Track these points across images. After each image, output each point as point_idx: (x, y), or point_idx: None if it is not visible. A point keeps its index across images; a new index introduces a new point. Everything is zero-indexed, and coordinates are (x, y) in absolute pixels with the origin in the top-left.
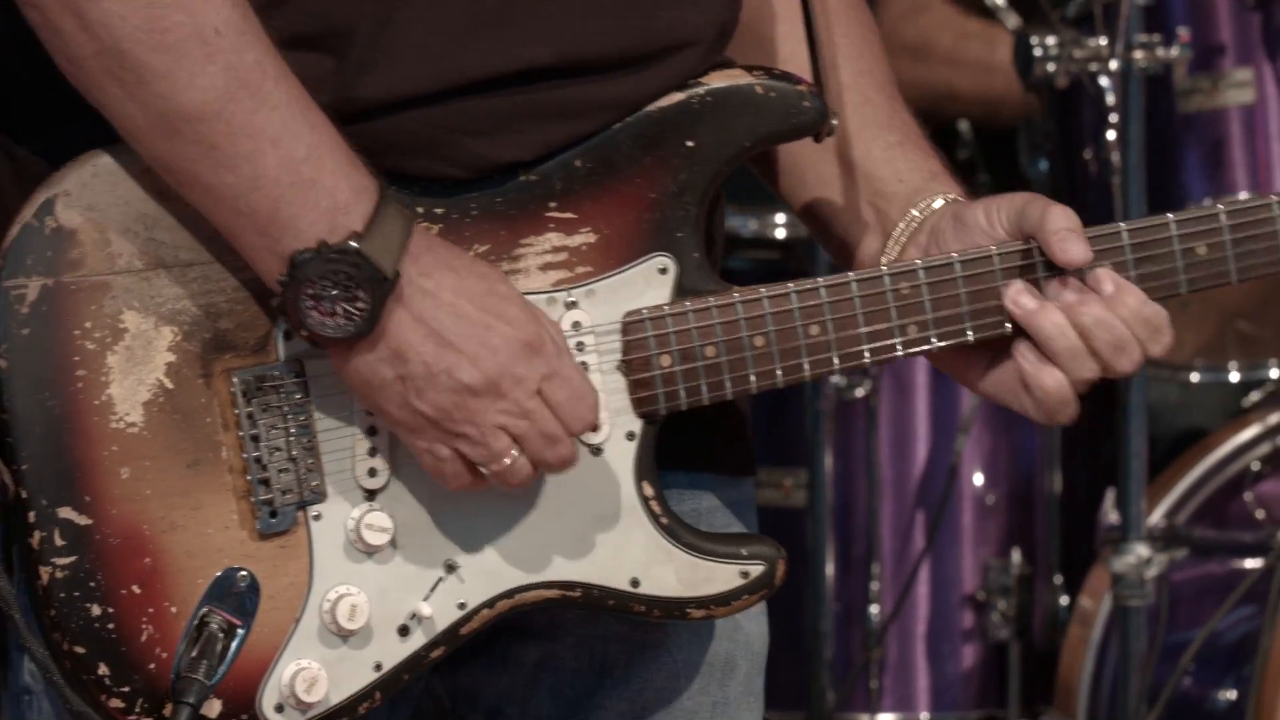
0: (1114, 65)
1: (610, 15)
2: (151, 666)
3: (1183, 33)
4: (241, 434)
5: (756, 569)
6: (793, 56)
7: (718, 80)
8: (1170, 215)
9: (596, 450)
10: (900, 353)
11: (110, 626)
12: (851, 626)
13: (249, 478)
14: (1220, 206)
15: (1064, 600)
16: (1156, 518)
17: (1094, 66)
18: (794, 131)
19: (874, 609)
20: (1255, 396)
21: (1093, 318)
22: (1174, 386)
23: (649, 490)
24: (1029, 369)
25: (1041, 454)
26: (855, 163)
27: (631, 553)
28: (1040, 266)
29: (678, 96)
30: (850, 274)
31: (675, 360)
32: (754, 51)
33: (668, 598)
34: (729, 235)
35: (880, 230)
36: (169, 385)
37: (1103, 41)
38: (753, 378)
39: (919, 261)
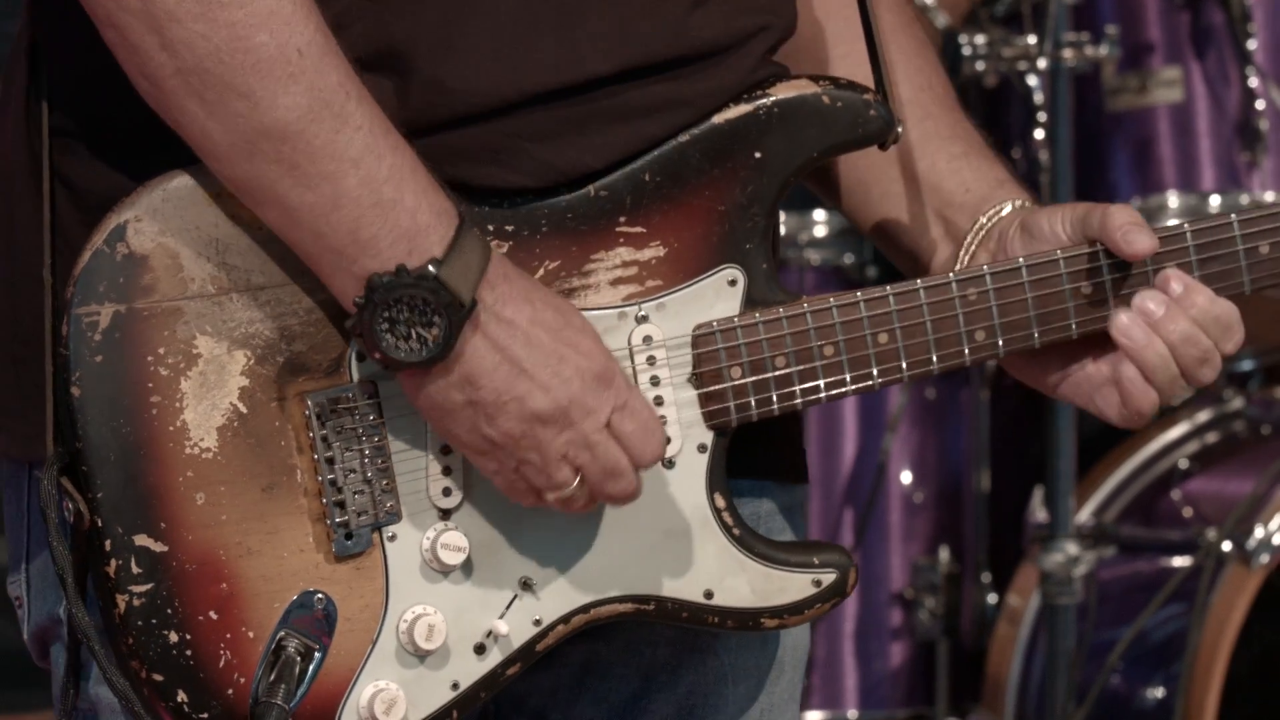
0: (1042, 64)
1: (666, 19)
2: (230, 692)
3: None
4: (316, 457)
5: (829, 577)
6: (853, 74)
7: (784, 91)
8: (1233, 214)
9: (669, 464)
10: (968, 359)
11: (188, 653)
12: None
13: (324, 501)
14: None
15: (992, 598)
16: (1085, 516)
17: (1022, 65)
18: (861, 140)
19: None
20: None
21: (1180, 334)
22: None
23: (721, 502)
24: (1133, 390)
25: (970, 452)
26: (921, 176)
27: (705, 564)
28: (1105, 269)
29: (745, 108)
30: (918, 281)
31: (746, 372)
32: (810, 67)
33: (742, 609)
34: None
35: (951, 240)
36: (243, 409)
37: (1031, 40)
38: (823, 387)
39: (985, 268)
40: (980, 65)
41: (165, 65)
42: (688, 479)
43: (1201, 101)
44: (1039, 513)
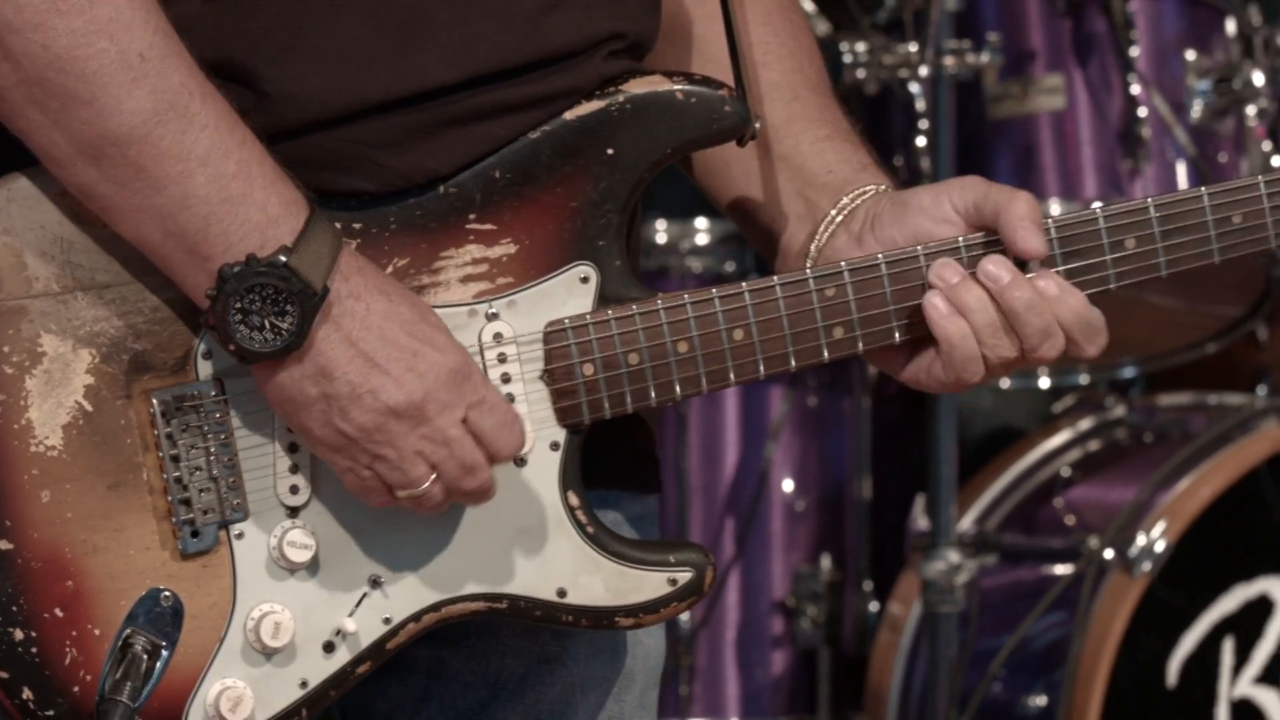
0: (924, 71)
1: (515, 25)
2: (76, 689)
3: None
4: (162, 454)
5: (685, 575)
6: (724, 55)
7: (637, 87)
8: (1098, 209)
9: (521, 461)
10: (826, 356)
11: (34, 650)
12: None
13: (170, 498)
14: (1150, 200)
15: (874, 606)
16: (966, 524)
17: (904, 73)
18: (716, 137)
19: (684, 615)
20: (1065, 402)
21: (1024, 301)
22: (984, 392)
23: (574, 500)
24: (935, 316)
25: (851, 460)
26: (784, 156)
27: (558, 563)
28: (966, 263)
29: (597, 104)
30: (775, 278)
31: (598, 369)
32: (685, 52)
33: (596, 607)
34: None
35: (810, 220)
36: (88, 407)
37: (913, 48)
38: (677, 384)
39: (844, 264)
40: (861, 73)
41: (7, 76)
42: (540, 477)
43: (1083, 109)
44: (920, 521)
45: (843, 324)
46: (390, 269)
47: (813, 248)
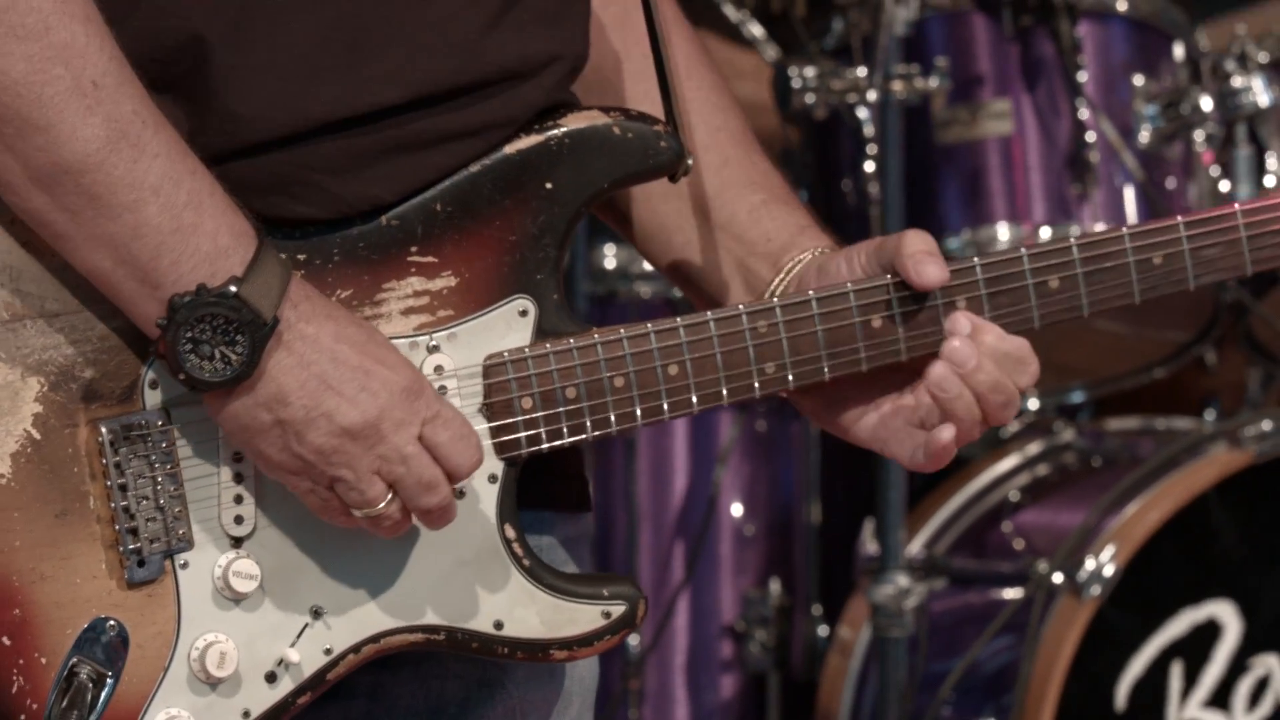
0: (872, 96)
1: (457, 45)
2: (22, 718)
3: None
4: (109, 484)
5: (618, 609)
6: (647, 104)
7: (575, 121)
8: (1023, 249)
9: (459, 494)
10: (758, 391)
11: None
12: (610, 656)
13: (117, 527)
14: (1072, 239)
15: (823, 630)
16: (915, 548)
17: (852, 97)
18: (652, 171)
19: (633, 639)
20: (1014, 427)
21: (989, 384)
22: None
23: (511, 532)
24: (939, 437)
25: (800, 484)
26: (723, 225)
27: (495, 596)
28: (895, 303)
29: (536, 138)
30: (709, 313)
31: (537, 402)
32: (607, 99)
33: (531, 639)
34: None
35: (752, 290)
36: (36, 436)
37: (861, 72)
38: (613, 418)
39: (775, 300)
40: (810, 98)
41: None
42: (479, 509)
43: (1031, 134)
44: (869, 545)
45: (774, 360)
46: (334, 300)
47: None
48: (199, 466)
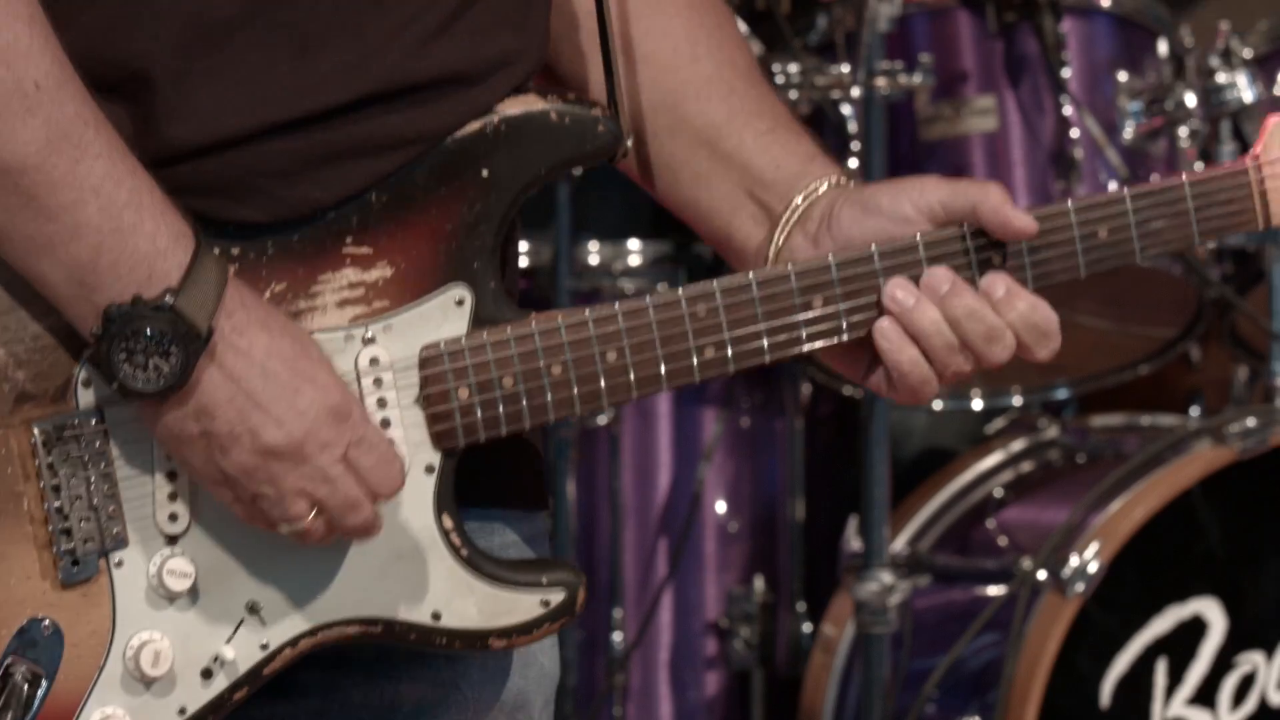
0: (856, 92)
1: (408, 46)
2: None
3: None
4: (42, 484)
5: (557, 596)
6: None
7: (512, 108)
8: (965, 226)
9: None
10: (698, 375)
11: None
12: (594, 653)
13: (50, 528)
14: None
15: (807, 627)
16: (899, 545)
17: (836, 94)
18: (590, 156)
19: (617, 636)
20: (998, 423)
21: (964, 309)
22: (918, 413)
23: (448, 523)
24: (886, 347)
25: (784, 481)
26: (729, 155)
27: (432, 586)
28: (837, 284)
29: (473, 126)
30: (647, 298)
31: (473, 392)
32: (566, 63)
33: (469, 630)
34: None
35: (765, 220)
36: None
37: (845, 69)
38: (551, 407)
39: (715, 283)
40: (793, 94)
41: None
42: (415, 500)
43: (1015, 130)
44: (853, 542)
45: (714, 343)
46: (268, 294)
47: (770, 250)
48: (133, 465)
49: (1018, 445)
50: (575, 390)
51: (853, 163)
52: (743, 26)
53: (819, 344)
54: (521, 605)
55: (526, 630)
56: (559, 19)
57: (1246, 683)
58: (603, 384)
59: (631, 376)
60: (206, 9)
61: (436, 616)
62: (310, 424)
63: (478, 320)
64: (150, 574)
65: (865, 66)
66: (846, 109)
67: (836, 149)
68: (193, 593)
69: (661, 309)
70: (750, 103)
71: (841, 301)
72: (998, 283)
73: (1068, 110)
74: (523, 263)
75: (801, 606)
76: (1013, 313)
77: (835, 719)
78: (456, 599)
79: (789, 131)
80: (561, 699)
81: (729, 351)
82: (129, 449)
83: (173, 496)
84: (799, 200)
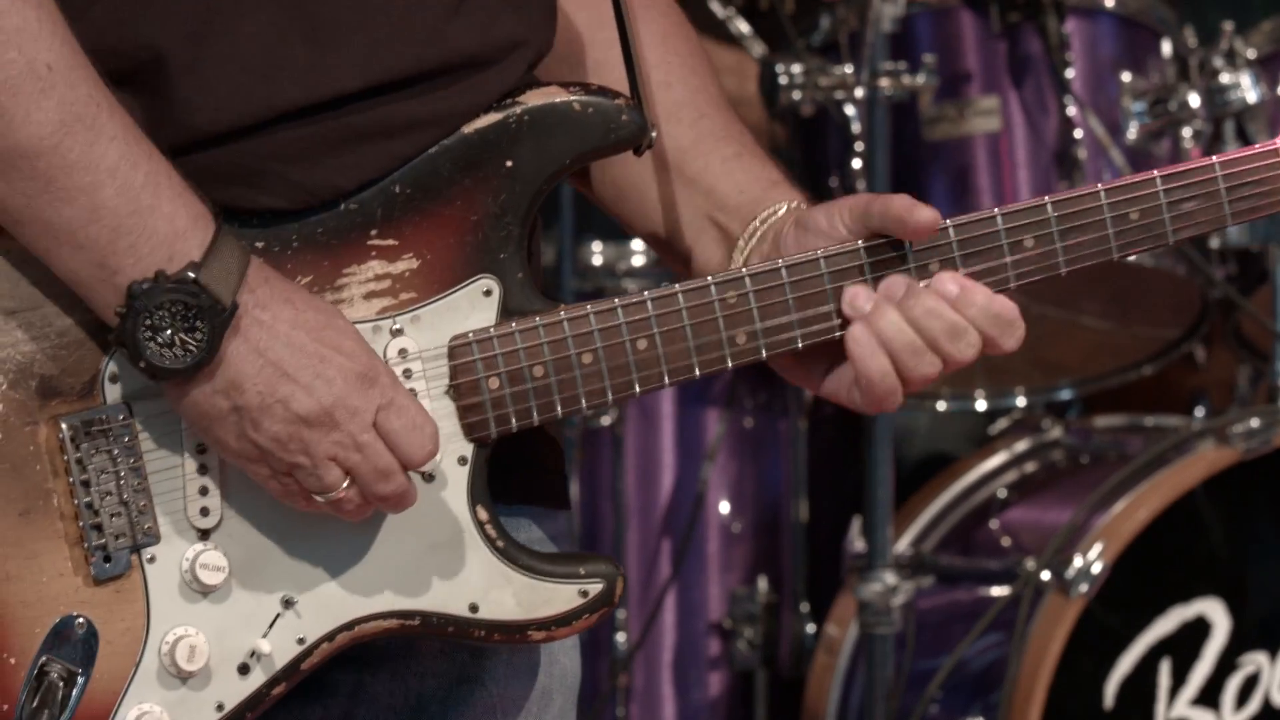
0: (860, 93)
1: (420, 31)
2: None
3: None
4: (72, 480)
5: (596, 587)
6: (616, 78)
7: (534, 99)
8: (997, 210)
9: (429, 477)
10: (730, 363)
11: None
12: (598, 654)
13: (81, 524)
14: (1047, 198)
15: (810, 628)
16: (903, 545)
17: (839, 94)
18: (614, 146)
19: (620, 637)
20: (1001, 424)
21: (923, 309)
22: (921, 414)
23: (483, 514)
24: (860, 353)
25: (788, 482)
26: (694, 178)
27: (469, 578)
28: (868, 268)
29: (495, 117)
30: (676, 286)
31: (504, 382)
32: (577, 76)
33: (508, 621)
34: None
35: (725, 243)
36: None
37: (848, 69)
38: (583, 396)
39: (744, 270)
40: (797, 94)
41: None
42: (449, 492)
43: (1019, 130)
44: (857, 542)
45: (746, 331)
46: (307, 290)
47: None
48: (163, 459)
49: (1021, 446)
50: (606, 379)
51: (856, 163)
52: (746, 26)
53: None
54: (560, 596)
55: (566, 621)
56: (574, 21)
57: (1250, 683)
58: (634, 373)
59: (663, 365)
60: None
61: (474, 609)
62: (339, 390)
63: (505, 311)
64: (183, 568)
65: (869, 67)
66: (850, 109)
67: (840, 150)
68: (227, 587)
69: (690, 295)
70: (719, 128)
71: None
72: (947, 280)
73: (1071, 111)
74: None
75: (805, 607)
76: (972, 308)
77: (839, 719)
78: (494, 591)
79: (754, 158)
80: None
81: (760, 340)
82: (159, 443)
83: (204, 490)
84: (758, 223)
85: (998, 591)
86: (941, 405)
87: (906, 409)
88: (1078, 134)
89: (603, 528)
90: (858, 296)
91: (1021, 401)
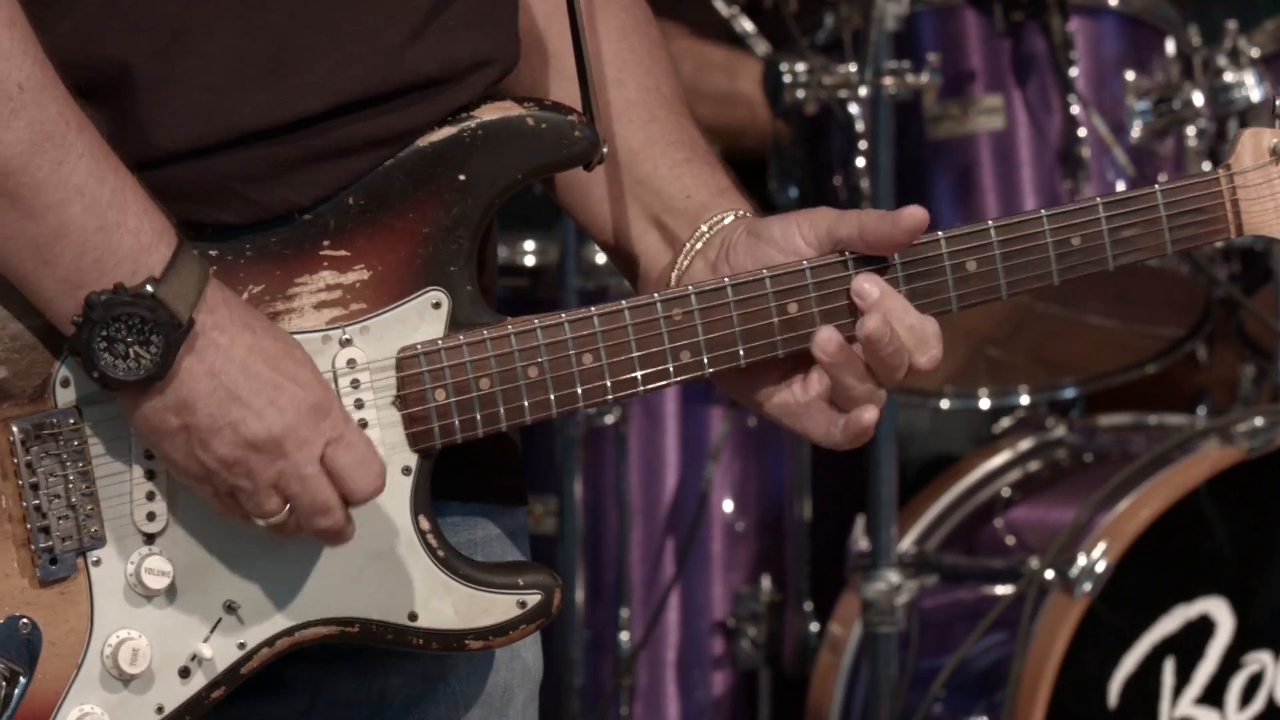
0: (863, 92)
1: (382, 53)
2: None
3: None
4: (21, 483)
5: (534, 598)
6: (572, 73)
7: (488, 113)
8: (940, 233)
9: None
10: (674, 378)
11: None
12: (602, 653)
13: (29, 526)
14: (990, 222)
15: (814, 627)
16: (907, 544)
17: (843, 93)
18: (566, 162)
19: (624, 636)
20: (1005, 423)
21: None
22: (924, 413)
23: (425, 524)
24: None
25: (791, 481)
26: (643, 179)
27: (409, 587)
28: (812, 287)
29: (449, 130)
30: (623, 302)
31: (450, 394)
32: (541, 69)
33: (446, 630)
34: None
35: (669, 246)
36: None
37: (852, 68)
38: (527, 407)
39: (690, 287)
40: (801, 93)
41: None
42: (392, 502)
43: (1023, 129)
44: (861, 541)
45: (689, 347)
46: (245, 295)
47: (673, 276)
48: (111, 464)
49: (1025, 444)
50: (551, 392)
51: (860, 162)
52: (749, 25)
53: (793, 348)
54: (498, 606)
55: (503, 631)
56: (530, 33)
57: (1254, 682)
58: (578, 386)
59: (608, 378)
60: (185, 12)
61: (413, 617)
62: (291, 420)
63: (454, 323)
64: (128, 572)
65: (872, 65)
66: (854, 108)
67: (843, 148)
68: (171, 591)
69: (637, 311)
70: (670, 132)
71: (817, 309)
72: (868, 286)
73: (1075, 109)
74: (529, 262)
75: (808, 606)
76: (899, 323)
77: (842, 719)
78: (433, 600)
79: (704, 164)
80: (568, 699)
81: (704, 355)
82: (107, 448)
83: (151, 495)
84: (704, 229)
85: (1001, 590)
86: (945, 404)
87: (910, 407)
88: (1082, 133)
89: (606, 527)
90: (867, 283)
91: (1025, 400)
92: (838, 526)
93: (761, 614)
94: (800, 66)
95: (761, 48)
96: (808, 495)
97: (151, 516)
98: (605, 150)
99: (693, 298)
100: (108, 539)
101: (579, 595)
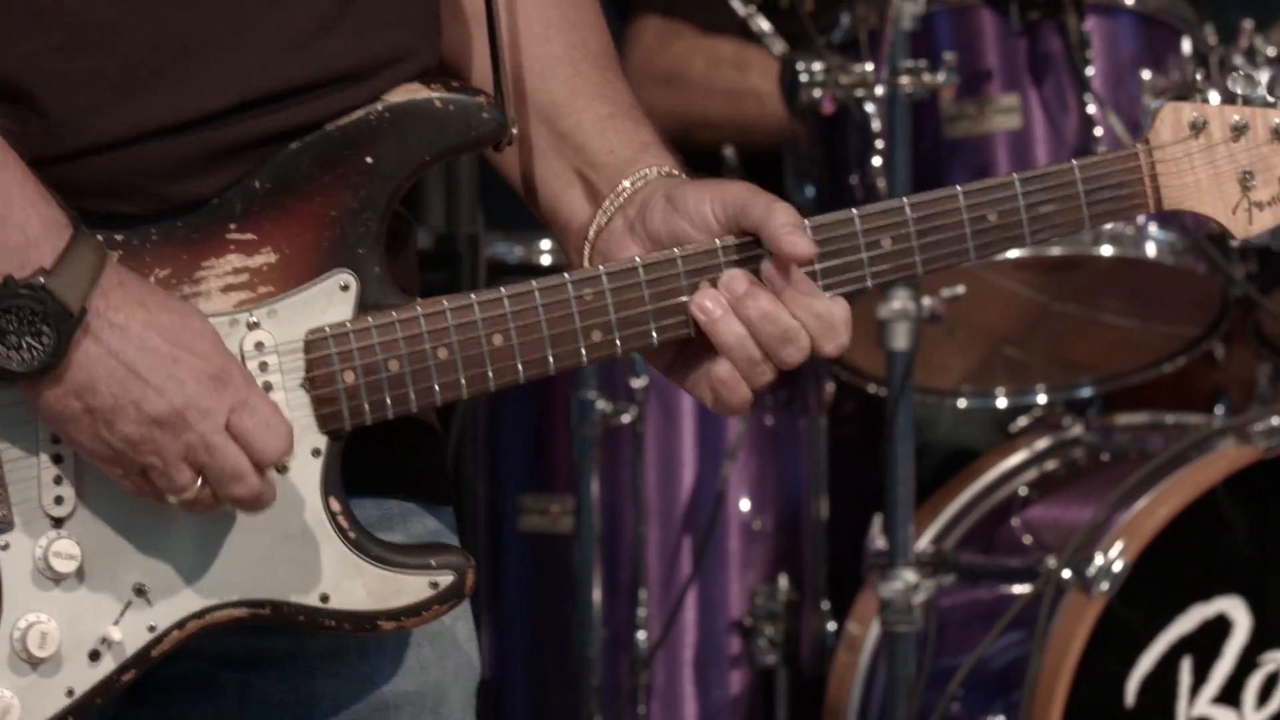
0: (880, 91)
1: (289, 53)
2: None
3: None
4: None
5: (446, 578)
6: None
7: (396, 96)
8: (854, 210)
9: (283, 468)
10: (585, 358)
11: None
12: (619, 652)
13: None
14: (905, 199)
15: (831, 626)
16: (924, 543)
17: (860, 92)
18: (473, 143)
19: (641, 635)
20: (1022, 422)
21: (759, 311)
22: (942, 412)
23: (336, 505)
24: (722, 378)
25: (809, 479)
26: (566, 134)
27: (320, 568)
28: (723, 268)
29: (357, 114)
30: (533, 282)
31: (359, 375)
32: (453, 24)
33: (358, 611)
34: (495, 261)
35: (591, 201)
36: None
37: (869, 67)
38: (437, 389)
39: (601, 268)
40: (817, 92)
41: None
42: (302, 483)
43: (1039, 128)
44: (878, 540)
45: (600, 326)
46: (152, 280)
47: (592, 231)
48: (16, 449)
49: (1042, 443)
50: (461, 373)
51: (876, 161)
52: (766, 24)
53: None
54: (410, 587)
55: (415, 612)
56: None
57: (1271, 681)
58: (488, 366)
59: (518, 359)
60: (87, 11)
61: (325, 599)
62: (191, 392)
63: (363, 306)
64: (37, 556)
65: (889, 65)
66: (870, 107)
67: (860, 147)
68: (79, 574)
69: (547, 292)
70: (594, 86)
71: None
72: (775, 271)
73: (1091, 109)
74: (545, 261)
75: (826, 605)
76: (804, 310)
77: (860, 718)
78: (345, 581)
79: (629, 119)
80: (586, 698)
81: (615, 335)
82: (12, 432)
83: (58, 479)
84: (626, 185)
85: (1019, 589)
86: (962, 403)
87: (927, 406)
88: (1098, 131)
89: (623, 526)
90: (706, 299)
91: (1042, 399)
92: (855, 525)
93: (779, 613)
94: (817, 66)
95: (778, 47)
96: (825, 494)
97: (59, 500)
98: (514, 132)
99: (604, 278)
100: (15, 523)
101: (596, 594)
